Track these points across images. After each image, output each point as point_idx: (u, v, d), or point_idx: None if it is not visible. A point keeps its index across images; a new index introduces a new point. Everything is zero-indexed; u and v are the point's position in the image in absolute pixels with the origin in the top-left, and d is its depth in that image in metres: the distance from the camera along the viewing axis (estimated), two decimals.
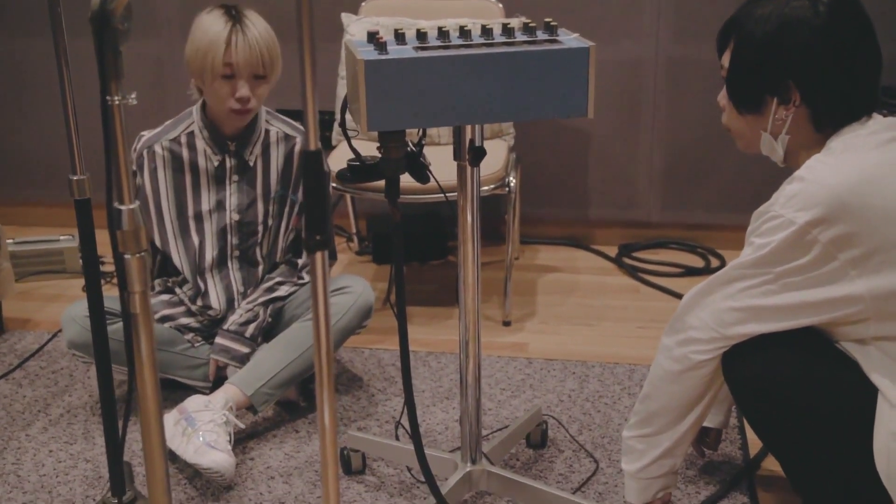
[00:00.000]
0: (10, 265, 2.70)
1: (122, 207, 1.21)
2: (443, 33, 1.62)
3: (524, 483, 1.86)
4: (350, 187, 2.74)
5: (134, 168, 2.28)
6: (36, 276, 3.08)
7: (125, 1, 1.09)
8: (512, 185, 2.77)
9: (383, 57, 1.53)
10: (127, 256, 1.22)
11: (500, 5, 3.00)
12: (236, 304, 2.34)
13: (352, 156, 1.70)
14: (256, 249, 2.35)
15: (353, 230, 3.34)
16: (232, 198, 2.31)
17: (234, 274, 2.34)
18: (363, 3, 3.04)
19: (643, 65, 3.11)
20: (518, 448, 2.16)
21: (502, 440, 2.01)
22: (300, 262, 2.42)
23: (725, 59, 1.64)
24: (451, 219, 3.29)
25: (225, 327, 2.30)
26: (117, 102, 1.16)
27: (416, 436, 1.76)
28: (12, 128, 3.48)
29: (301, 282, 2.39)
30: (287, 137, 2.35)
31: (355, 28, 2.91)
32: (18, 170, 3.53)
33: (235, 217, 2.32)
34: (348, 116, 1.66)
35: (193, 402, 2.12)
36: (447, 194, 1.88)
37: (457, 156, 1.71)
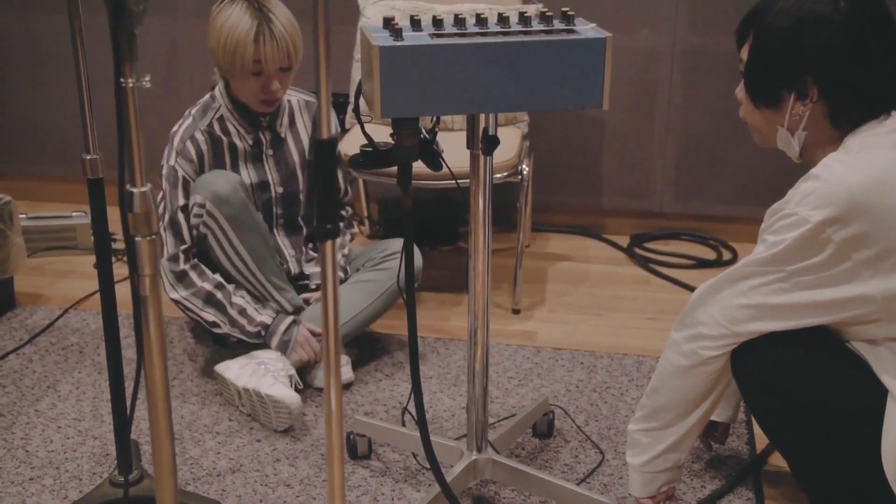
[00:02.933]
0: (23, 240, 2.71)
1: (135, 190, 1.21)
2: (459, 20, 1.61)
3: (529, 473, 1.87)
4: (363, 172, 2.74)
5: (174, 164, 2.28)
6: (48, 252, 3.09)
7: None
8: (525, 172, 2.76)
9: (399, 43, 1.52)
10: (138, 239, 1.22)
11: None
12: (291, 265, 2.43)
13: (365, 141, 1.70)
14: (298, 216, 2.47)
15: (365, 213, 3.34)
16: (272, 172, 2.38)
17: (283, 240, 2.45)
18: None
19: (659, 55, 3.09)
20: (524, 437, 2.16)
21: (508, 429, 2.01)
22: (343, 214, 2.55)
23: (744, 53, 1.63)
24: (462, 204, 3.29)
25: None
26: (131, 85, 1.16)
27: (422, 423, 1.76)
28: (28, 103, 3.48)
29: (353, 231, 2.57)
30: (308, 104, 2.43)
31: (371, 11, 2.89)
32: (33, 145, 3.54)
33: (279, 190, 2.40)
34: (362, 101, 1.65)
35: (266, 353, 2.25)
36: (458, 181, 1.87)
37: (470, 144, 1.70)
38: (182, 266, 2.28)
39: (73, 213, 3.14)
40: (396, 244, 2.50)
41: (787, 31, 1.53)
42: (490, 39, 1.54)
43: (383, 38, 1.55)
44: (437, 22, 1.61)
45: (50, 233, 3.10)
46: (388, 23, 1.58)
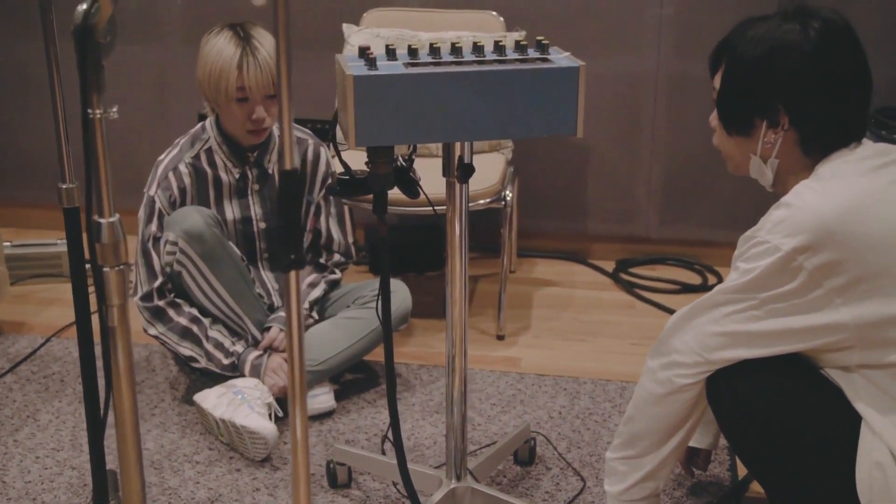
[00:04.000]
0: (6, 269, 2.71)
1: (102, 221, 1.21)
2: (434, 49, 1.62)
3: (508, 501, 1.85)
4: (348, 199, 2.74)
5: (153, 194, 2.27)
6: (33, 280, 3.08)
7: (108, 15, 1.09)
8: (508, 199, 2.76)
9: (373, 73, 1.53)
10: (106, 269, 1.22)
11: (501, 19, 3.00)
12: (275, 299, 2.42)
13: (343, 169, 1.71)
14: None
15: (351, 240, 3.33)
16: (256, 207, 2.36)
17: (267, 273, 2.43)
18: (365, 14, 3.04)
19: (643, 80, 3.11)
20: (506, 464, 2.15)
21: (489, 457, 2.00)
22: (323, 261, 2.51)
23: (717, 81, 1.64)
24: None
25: (280, 313, 2.39)
26: (99, 116, 1.16)
27: (399, 452, 1.75)
28: (13, 130, 3.49)
29: (334, 277, 2.50)
30: (299, 140, 2.42)
31: (356, 39, 2.91)
32: (18, 172, 3.54)
33: (262, 225, 2.39)
34: (339, 130, 1.66)
35: (243, 381, 2.24)
36: (436, 208, 1.87)
37: (446, 172, 1.70)
38: (157, 303, 2.28)
39: (59, 241, 3.14)
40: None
41: (758, 60, 1.54)
42: (464, 68, 1.55)
43: (358, 68, 1.56)
44: (412, 52, 1.62)
45: (35, 260, 3.10)
46: (364, 52, 1.59)
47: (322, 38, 3.11)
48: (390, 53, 1.62)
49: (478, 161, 2.87)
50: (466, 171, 1.68)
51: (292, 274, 1.04)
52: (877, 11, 2.88)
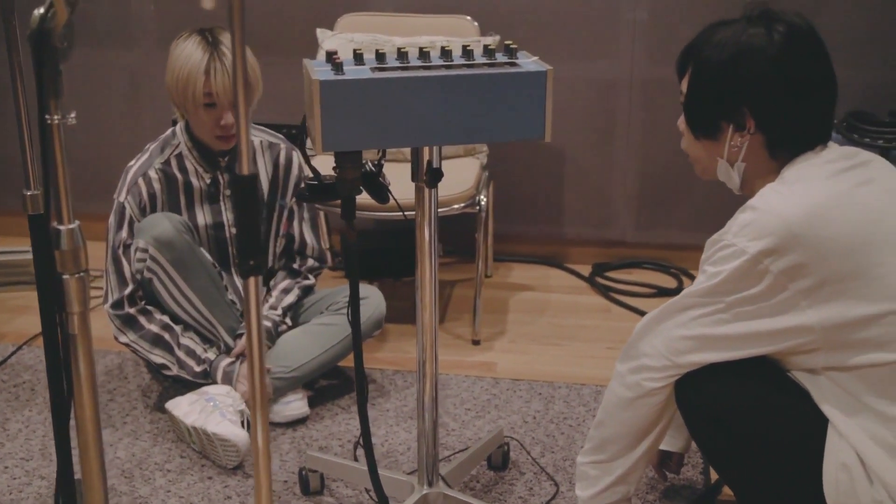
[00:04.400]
0: None
1: (62, 227, 1.20)
2: (402, 54, 1.62)
3: None
4: (319, 204, 2.73)
5: (123, 200, 2.25)
6: (7, 288, 3.05)
7: (64, 19, 1.08)
8: (483, 203, 2.76)
9: (339, 77, 1.52)
10: (66, 277, 1.21)
11: (476, 23, 3.00)
12: None
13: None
14: None
15: (327, 245, 3.32)
16: (228, 213, 2.35)
17: (239, 280, 2.41)
18: (339, 19, 3.04)
19: (618, 85, 3.12)
20: (479, 470, 2.14)
21: (461, 462, 2.00)
22: (296, 266, 2.48)
23: (684, 85, 1.64)
24: None
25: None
26: (56, 122, 1.15)
27: (370, 459, 1.74)
28: None
29: (307, 282, 2.48)
30: (271, 145, 2.40)
31: (330, 44, 2.90)
32: None
33: (234, 231, 2.33)
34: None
35: (215, 388, 2.23)
36: (406, 213, 1.86)
37: (414, 177, 1.70)
38: (127, 310, 2.26)
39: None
40: (361, 290, 2.44)
41: (723, 63, 1.55)
42: (431, 73, 1.55)
43: (324, 72, 1.55)
44: (379, 56, 1.61)
45: (9, 268, 3.07)
46: (330, 57, 1.58)
47: (296, 43, 3.11)
48: (358, 58, 1.61)
49: (452, 166, 2.90)
50: (435, 175, 1.67)
51: (251, 280, 1.03)
52: (847, 16, 2.90)
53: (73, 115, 1.15)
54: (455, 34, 2.93)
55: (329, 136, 1.54)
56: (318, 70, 1.56)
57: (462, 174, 2.79)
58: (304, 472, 2.05)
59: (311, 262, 2.50)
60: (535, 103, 1.58)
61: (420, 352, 1.79)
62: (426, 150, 1.68)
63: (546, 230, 3.32)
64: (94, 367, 1.25)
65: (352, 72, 1.55)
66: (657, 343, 1.57)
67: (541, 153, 3.23)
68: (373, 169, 1.72)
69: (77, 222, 1.21)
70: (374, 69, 1.57)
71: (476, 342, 2.76)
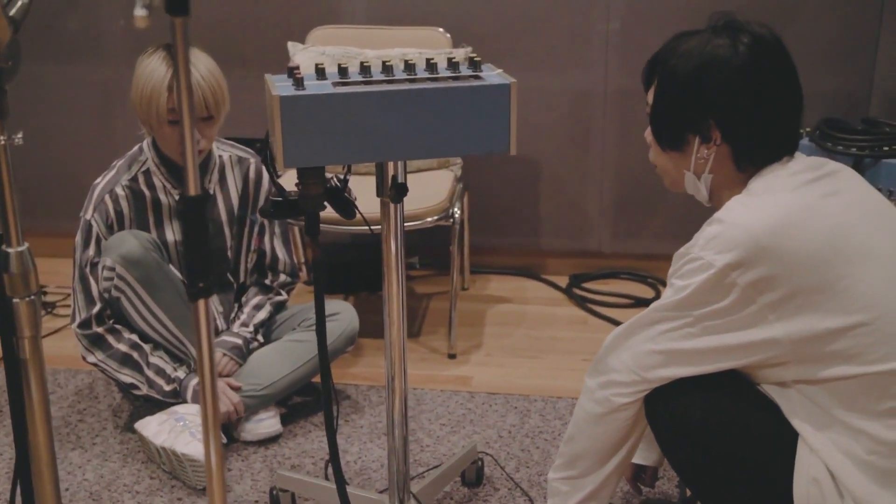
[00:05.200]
0: None
1: (10, 250, 1.17)
2: (364, 68, 1.60)
3: None
4: (292, 219, 2.70)
5: (90, 218, 2.22)
6: None
7: (6, 39, 1.05)
8: (456, 216, 2.74)
9: (300, 93, 1.50)
10: (16, 300, 1.18)
11: (448, 36, 2.99)
12: (219, 322, 2.38)
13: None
14: (228, 273, 2.40)
15: (302, 259, 3.30)
16: None
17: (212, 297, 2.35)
18: (311, 32, 3.02)
19: (592, 95, 3.11)
20: (453, 486, 2.12)
21: (433, 479, 1.97)
22: (268, 282, 2.46)
23: (650, 96, 1.63)
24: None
25: (223, 337, 2.35)
26: (3, 142, 1.13)
27: (339, 478, 1.72)
28: None
29: (280, 298, 2.46)
30: (241, 160, 2.38)
31: (301, 57, 2.88)
32: None
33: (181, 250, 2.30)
34: None
35: (185, 407, 2.20)
36: (373, 228, 1.84)
37: (380, 192, 1.68)
38: (95, 329, 2.23)
39: None
40: (334, 305, 2.43)
41: (688, 74, 1.53)
42: (393, 87, 1.53)
43: (285, 88, 1.53)
44: (342, 70, 1.59)
45: None
46: (291, 72, 1.56)
47: (267, 56, 3.09)
48: (320, 73, 1.60)
49: (425, 178, 2.88)
50: (400, 190, 1.65)
51: (200, 303, 1.01)
52: (819, 22, 2.90)
53: (19, 135, 1.12)
54: (427, 46, 2.92)
55: (291, 153, 1.52)
56: (279, 85, 1.54)
57: (435, 187, 2.77)
58: (274, 492, 2.02)
59: (283, 277, 2.48)
60: (500, 116, 1.56)
61: (389, 367, 1.77)
62: (391, 164, 1.66)
63: (522, 242, 3.30)
64: (46, 392, 1.22)
65: (313, 87, 1.53)
66: (626, 358, 1.55)
67: (516, 164, 3.22)
68: (338, 184, 1.70)
69: (26, 245, 1.18)
70: (335, 84, 1.55)
71: (452, 356, 2.74)
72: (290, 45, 2.94)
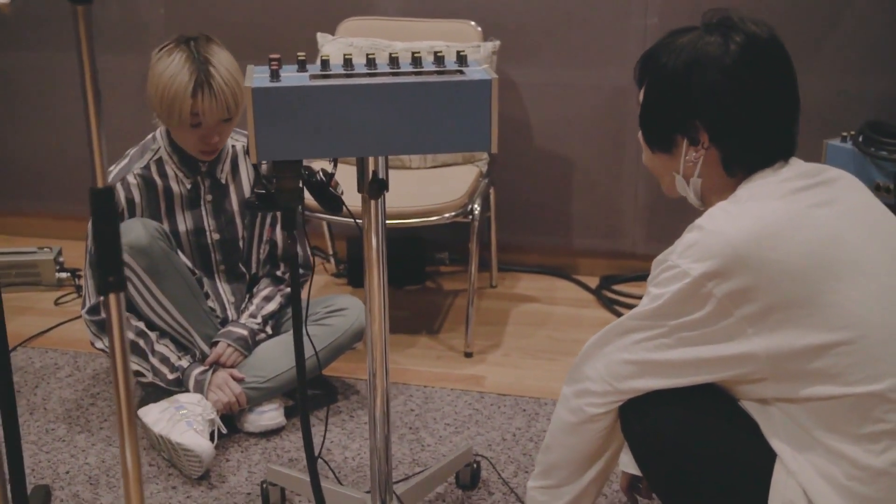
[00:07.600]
0: None
1: None
2: (347, 61, 1.57)
3: None
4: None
5: None
6: (10, 288, 3.09)
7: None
8: (476, 212, 2.69)
9: (273, 84, 1.48)
10: None
11: (479, 28, 2.93)
12: (229, 312, 2.36)
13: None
14: (240, 263, 2.39)
15: (331, 252, 3.29)
16: (209, 218, 2.31)
17: (223, 286, 2.38)
18: (341, 24, 3.00)
19: (628, 92, 3.02)
20: (447, 488, 2.08)
21: (419, 481, 1.94)
22: (280, 273, 2.46)
23: (641, 94, 1.56)
24: (432, 242, 3.23)
25: (229, 328, 2.33)
26: None
27: (313, 477, 1.70)
28: (1, 139, 3.51)
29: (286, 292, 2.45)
30: (248, 150, 2.35)
31: (329, 48, 2.87)
32: (6, 180, 3.55)
33: (216, 237, 2.34)
34: None
35: (187, 396, 2.19)
36: (357, 220, 1.79)
37: (360, 188, 1.64)
38: (103, 316, 2.25)
39: (38, 249, 3.14)
40: (342, 300, 2.41)
41: (677, 72, 1.46)
42: (370, 80, 1.49)
43: (260, 79, 1.51)
44: (324, 63, 1.56)
45: (11, 268, 3.10)
46: (270, 63, 1.54)
47: (297, 47, 3.05)
48: (301, 65, 1.57)
49: (448, 173, 2.84)
50: (379, 186, 1.62)
51: (111, 297, 0.99)
52: (863, 22, 2.76)
53: None
54: (458, 40, 2.87)
55: (264, 145, 1.50)
56: (255, 77, 1.52)
57: (455, 182, 2.73)
58: (264, 486, 2.01)
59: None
60: (480, 113, 1.51)
61: (370, 364, 1.74)
62: (371, 159, 1.62)
63: (554, 240, 3.23)
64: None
65: (288, 79, 1.51)
66: (599, 367, 1.49)
67: (548, 161, 3.15)
68: (323, 178, 1.67)
69: None
70: (313, 76, 1.52)
71: (468, 354, 2.70)
72: (319, 36, 2.93)
